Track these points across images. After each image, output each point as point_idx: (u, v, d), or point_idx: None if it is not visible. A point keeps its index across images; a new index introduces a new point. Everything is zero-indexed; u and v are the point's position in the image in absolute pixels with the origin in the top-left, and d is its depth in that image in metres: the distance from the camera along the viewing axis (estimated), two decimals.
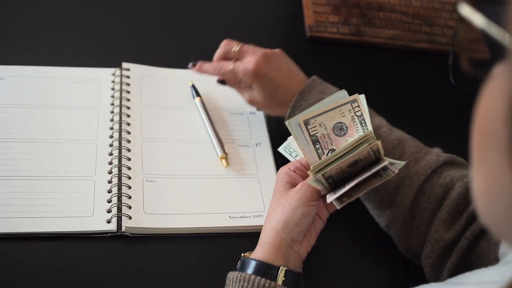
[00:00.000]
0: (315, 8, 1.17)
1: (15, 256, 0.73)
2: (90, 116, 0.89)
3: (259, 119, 0.95)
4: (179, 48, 1.06)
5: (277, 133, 0.93)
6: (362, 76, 1.11)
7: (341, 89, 0.72)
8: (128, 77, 0.95)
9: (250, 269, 0.66)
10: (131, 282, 0.73)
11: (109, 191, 0.79)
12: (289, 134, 0.72)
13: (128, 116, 0.89)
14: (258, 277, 0.65)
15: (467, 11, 0.40)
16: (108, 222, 0.76)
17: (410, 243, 0.77)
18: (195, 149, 0.88)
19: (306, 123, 0.69)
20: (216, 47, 1.08)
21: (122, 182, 0.80)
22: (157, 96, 0.95)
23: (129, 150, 0.84)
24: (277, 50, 0.89)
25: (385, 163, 0.67)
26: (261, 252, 0.68)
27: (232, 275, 0.67)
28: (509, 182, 0.35)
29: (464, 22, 0.40)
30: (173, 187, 0.82)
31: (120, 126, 0.87)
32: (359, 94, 0.72)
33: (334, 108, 0.71)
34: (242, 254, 0.70)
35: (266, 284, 0.64)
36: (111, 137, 0.86)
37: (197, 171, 0.85)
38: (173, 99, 0.95)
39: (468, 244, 0.71)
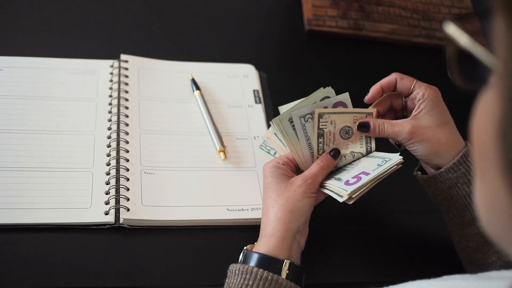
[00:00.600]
0: (313, 1, 1.17)
1: (12, 247, 0.73)
2: (88, 108, 0.89)
3: (257, 112, 0.95)
4: (177, 40, 1.06)
5: None
6: (360, 70, 1.11)
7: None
8: (126, 69, 0.95)
9: (253, 262, 0.67)
10: (129, 274, 0.73)
11: (107, 183, 0.79)
12: None
13: (126, 108, 0.89)
14: (261, 270, 0.65)
15: (452, 30, 0.40)
16: (106, 214, 0.76)
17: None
18: (193, 141, 0.88)
19: (320, 116, 0.75)
20: (215, 40, 1.08)
21: (120, 174, 0.80)
22: (155, 88, 0.94)
23: (127, 142, 0.84)
24: None
25: (399, 159, 0.72)
26: (266, 245, 0.68)
27: (234, 268, 0.67)
28: (507, 201, 0.36)
29: (450, 40, 0.40)
30: (171, 179, 0.82)
31: (118, 118, 0.87)
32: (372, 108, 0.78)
33: (351, 112, 0.77)
34: (245, 247, 0.70)
35: (269, 276, 0.65)
36: (109, 129, 0.86)
37: (195, 164, 0.85)
38: (171, 92, 0.95)
39: None
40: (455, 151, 0.74)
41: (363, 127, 0.76)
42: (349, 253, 0.82)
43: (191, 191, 0.82)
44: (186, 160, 0.85)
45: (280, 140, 0.80)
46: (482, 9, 0.38)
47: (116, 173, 0.80)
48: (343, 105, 0.77)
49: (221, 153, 0.86)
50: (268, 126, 0.93)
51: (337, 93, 0.78)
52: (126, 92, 0.91)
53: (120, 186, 0.79)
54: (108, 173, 0.81)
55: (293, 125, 0.75)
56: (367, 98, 0.78)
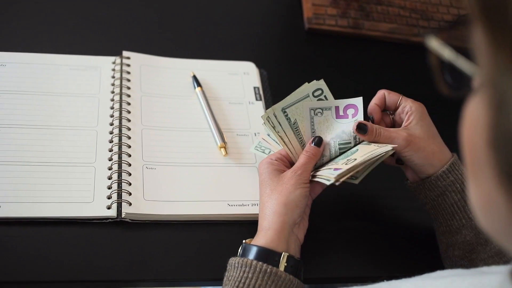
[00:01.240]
0: (314, 0, 1.18)
1: (15, 240, 0.73)
2: (91, 104, 0.90)
3: (258, 109, 0.96)
4: (179, 38, 1.07)
5: None
6: (360, 69, 1.12)
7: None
8: (128, 65, 0.95)
9: (252, 255, 0.68)
10: (130, 268, 0.74)
11: (109, 178, 0.80)
12: None
13: (128, 104, 0.90)
14: (260, 263, 0.66)
15: (434, 43, 0.41)
16: (108, 208, 0.77)
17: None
18: (194, 137, 0.89)
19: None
20: (216, 37, 1.09)
21: (122, 169, 0.81)
22: (157, 85, 0.95)
23: (129, 138, 0.85)
24: None
25: (390, 148, 0.73)
26: (263, 238, 0.69)
27: (233, 261, 0.68)
28: (502, 204, 0.36)
29: (433, 54, 0.41)
30: (173, 174, 0.83)
31: (120, 113, 0.88)
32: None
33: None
34: (244, 241, 0.71)
35: (268, 269, 0.66)
36: (112, 124, 0.87)
37: (196, 160, 0.86)
38: (173, 88, 0.96)
39: None
40: (445, 161, 0.76)
41: (361, 129, 0.77)
42: (349, 248, 0.83)
43: (192, 186, 0.83)
44: (188, 155, 0.86)
45: (273, 139, 0.82)
46: (462, 18, 0.39)
47: (118, 168, 0.81)
48: (355, 108, 0.79)
49: (222, 149, 0.87)
50: None
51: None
52: (128, 88, 0.92)
53: (122, 180, 0.80)
54: (110, 168, 0.81)
55: (286, 116, 0.77)
56: (368, 109, 0.81)
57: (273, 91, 1.00)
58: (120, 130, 0.86)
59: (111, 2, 1.10)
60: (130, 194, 0.78)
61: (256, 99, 0.97)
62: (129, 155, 0.83)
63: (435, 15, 1.23)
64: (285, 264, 0.67)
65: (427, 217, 0.83)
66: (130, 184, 0.80)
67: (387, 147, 0.73)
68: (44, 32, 1.01)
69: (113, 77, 0.94)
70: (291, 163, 0.79)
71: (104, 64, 0.96)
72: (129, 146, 0.84)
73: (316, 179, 0.75)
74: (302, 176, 0.74)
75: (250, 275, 0.66)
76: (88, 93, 0.91)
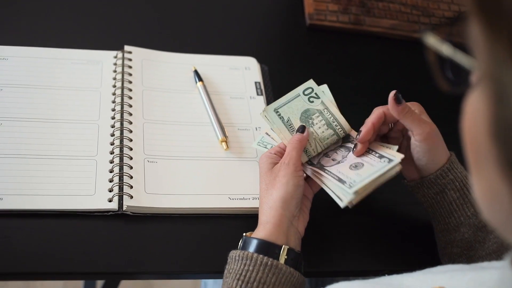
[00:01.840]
0: None
1: (17, 232, 0.74)
2: (92, 98, 0.90)
3: (259, 103, 0.96)
4: (180, 32, 1.07)
5: None
6: (361, 65, 1.12)
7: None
8: (130, 60, 0.96)
9: (252, 248, 0.68)
10: (131, 260, 0.75)
11: (111, 171, 0.81)
12: None
13: (130, 98, 0.90)
14: (261, 255, 0.67)
15: (432, 40, 0.42)
16: (110, 201, 0.77)
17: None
18: (195, 131, 0.89)
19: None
20: (218, 33, 1.09)
21: (124, 162, 0.81)
22: (158, 79, 0.96)
23: (130, 131, 0.86)
24: None
25: (399, 166, 0.74)
26: (263, 231, 0.70)
27: (234, 254, 0.69)
28: (506, 194, 0.37)
29: (431, 50, 0.42)
30: (174, 168, 0.84)
31: (122, 107, 0.88)
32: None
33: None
34: (244, 234, 0.71)
35: (269, 262, 0.66)
36: (113, 118, 0.87)
37: (197, 153, 0.86)
38: (174, 83, 0.96)
39: None
40: (445, 160, 0.76)
41: (397, 99, 0.74)
42: (349, 242, 0.83)
43: (194, 180, 0.83)
44: (189, 149, 0.87)
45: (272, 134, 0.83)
46: (460, 13, 0.39)
47: (120, 161, 0.81)
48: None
49: (223, 143, 0.87)
50: None
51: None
52: (130, 82, 0.92)
53: (124, 174, 0.80)
54: (111, 161, 0.82)
55: (279, 115, 0.79)
56: (359, 138, 0.77)
57: (274, 86, 1.00)
58: (121, 124, 0.86)
59: None
60: (131, 187, 0.79)
61: (257, 94, 0.97)
62: (131, 149, 0.83)
63: (436, 11, 1.23)
64: (286, 257, 0.68)
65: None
66: (131, 177, 0.80)
67: (396, 168, 0.73)
68: (46, 26, 1.01)
69: (115, 71, 0.94)
70: None
71: (106, 58, 0.96)
72: (131, 140, 0.85)
73: (326, 190, 0.75)
74: (291, 164, 0.73)
75: (251, 268, 0.66)
76: (90, 87, 0.91)
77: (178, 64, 0.99)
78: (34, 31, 0.99)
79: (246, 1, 1.18)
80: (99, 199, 0.78)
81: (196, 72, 0.97)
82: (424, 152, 0.76)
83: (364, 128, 0.76)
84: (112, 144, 0.84)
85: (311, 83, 0.82)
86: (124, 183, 0.79)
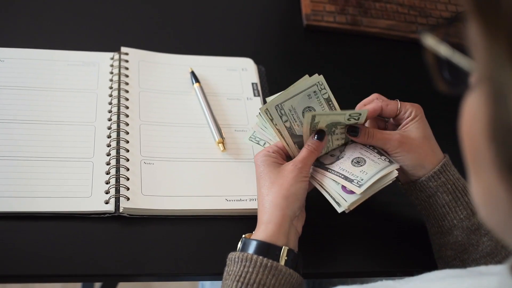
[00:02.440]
0: None
1: (13, 235, 0.73)
2: (89, 99, 0.90)
3: (256, 104, 0.96)
4: (177, 33, 1.07)
5: None
6: (358, 65, 1.12)
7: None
8: (126, 61, 0.95)
9: (251, 249, 0.68)
10: (128, 262, 0.74)
11: (107, 173, 0.80)
12: None
13: (127, 99, 0.90)
14: (261, 257, 0.66)
15: (430, 41, 0.42)
16: (106, 203, 0.77)
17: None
18: (192, 133, 0.89)
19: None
20: (215, 33, 1.09)
21: (120, 164, 0.81)
22: (155, 80, 0.95)
23: (127, 133, 0.85)
24: None
25: (396, 172, 0.75)
26: (264, 232, 0.69)
27: (233, 256, 0.68)
28: (504, 196, 0.37)
29: (429, 51, 0.41)
30: (171, 170, 0.83)
31: (119, 109, 0.88)
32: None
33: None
34: (243, 235, 0.71)
35: (269, 263, 0.66)
36: (110, 120, 0.87)
37: (194, 155, 0.86)
38: (171, 84, 0.96)
39: None
40: (437, 162, 0.77)
41: (352, 131, 0.77)
42: (347, 243, 0.83)
43: (191, 181, 0.83)
44: (186, 151, 0.86)
45: (265, 130, 0.82)
46: (458, 14, 0.39)
47: (116, 163, 0.81)
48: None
49: (220, 145, 0.87)
50: None
51: (333, 87, 0.79)
52: (127, 84, 0.92)
53: (120, 175, 0.80)
54: (108, 163, 0.81)
55: (281, 114, 0.76)
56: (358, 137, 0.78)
57: (271, 87, 1.00)
58: (118, 125, 0.86)
59: None
60: (128, 189, 0.79)
61: (254, 95, 0.97)
62: (127, 150, 0.83)
63: (433, 12, 1.23)
64: (286, 258, 0.68)
65: None
66: (128, 179, 0.80)
67: (393, 173, 0.75)
68: (43, 28, 1.01)
69: (112, 72, 0.94)
70: (287, 156, 0.79)
71: (102, 59, 0.96)
72: (127, 141, 0.84)
73: (324, 194, 0.75)
74: (303, 169, 0.74)
75: (250, 270, 0.66)
76: (86, 89, 0.91)
77: (175, 66, 0.99)
78: (30, 32, 0.99)
79: (243, 2, 1.18)
80: (95, 201, 0.77)
81: (193, 73, 0.96)
82: (402, 158, 0.76)
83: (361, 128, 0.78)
84: (108, 145, 0.84)
85: (318, 79, 0.77)
86: (120, 185, 0.79)
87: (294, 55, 1.11)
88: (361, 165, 0.75)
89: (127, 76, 0.93)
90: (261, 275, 0.66)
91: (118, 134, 0.85)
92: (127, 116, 0.88)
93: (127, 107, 0.89)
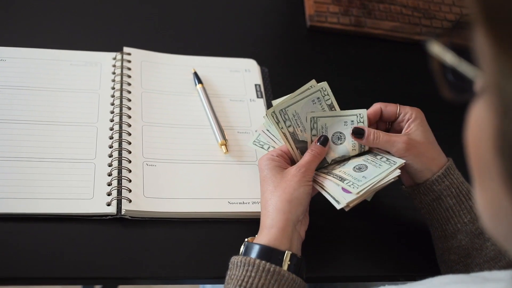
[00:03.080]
0: None
1: (14, 236, 0.73)
2: (91, 100, 0.89)
3: (259, 106, 0.95)
4: (180, 34, 1.06)
5: None
6: (361, 67, 1.12)
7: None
8: (129, 61, 0.95)
9: (254, 253, 0.67)
10: (130, 265, 0.74)
11: (109, 174, 0.80)
12: None
13: (129, 100, 0.89)
14: (263, 262, 0.66)
15: (436, 49, 0.41)
16: (108, 205, 0.77)
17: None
18: (195, 134, 0.89)
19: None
20: (218, 34, 1.08)
21: (122, 165, 0.81)
22: (158, 81, 0.95)
23: (129, 134, 0.85)
24: None
25: (398, 171, 0.74)
26: (267, 236, 0.69)
27: (236, 259, 0.68)
28: (509, 208, 0.36)
29: (435, 59, 0.41)
30: (173, 171, 0.83)
31: (121, 110, 0.87)
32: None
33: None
34: (246, 239, 0.70)
35: (271, 268, 0.65)
36: (112, 120, 0.86)
37: (197, 157, 0.86)
38: (173, 85, 0.95)
39: None
40: (441, 166, 0.76)
41: (358, 133, 0.77)
42: (350, 247, 0.83)
43: (193, 184, 0.82)
44: (188, 152, 0.86)
45: (273, 134, 0.82)
46: (463, 20, 0.38)
47: (118, 165, 0.81)
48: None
49: (223, 147, 0.87)
50: None
51: (337, 89, 0.79)
52: (129, 84, 0.92)
53: (122, 177, 0.79)
54: (110, 165, 0.81)
55: (285, 118, 0.77)
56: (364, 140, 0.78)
57: (274, 88, 0.99)
58: (120, 127, 0.85)
59: None
60: (130, 191, 0.78)
61: (257, 97, 0.97)
62: (129, 152, 0.83)
63: (438, 13, 1.22)
64: (288, 263, 0.67)
65: None
66: (130, 181, 0.79)
67: (395, 172, 0.74)
68: (45, 27, 1.00)
69: (114, 73, 0.93)
70: (291, 160, 0.78)
71: (104, 60, 0.95)
72: (130, 143, 0.84)
73: (324, 194, 0.75)
74: (307, 173, 0.73)
75: (253, 274, 0.65)
76: (88, 89, 0.90)
77: (178, 66, 0.98)
78: (32, 32, 0.98)
79: (246, 2, 1.18)
80: (97, 203, 0.77)
81: (195, 74, 0.96)
82: (411, 161, 0.76)
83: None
84: (110, 147, 0.83)
85: (324, 85, 0.79)
86: (122, 187, 0.78)
87: (298, 57, 1.11)
88: (362, 171, 0.75)
89: (129, 76, 0.93)
90: (264, 280, 0.65)
91: (120, 135, 0.84)
92: (129, 117, 0.87)
93: (129, 108, 0.88)
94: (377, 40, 1.17)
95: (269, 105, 0.95)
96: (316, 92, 0.78)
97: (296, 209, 0.71)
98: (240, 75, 0.99)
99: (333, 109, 0.79)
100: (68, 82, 0.91)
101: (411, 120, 0.78)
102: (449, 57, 0.40)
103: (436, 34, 0.40)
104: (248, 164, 0.87)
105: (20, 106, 0.85)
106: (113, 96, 0.90)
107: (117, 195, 0.77)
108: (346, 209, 0.72)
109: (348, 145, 0.79)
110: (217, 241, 0.78)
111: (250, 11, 1.16)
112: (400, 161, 0.75)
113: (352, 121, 0.78)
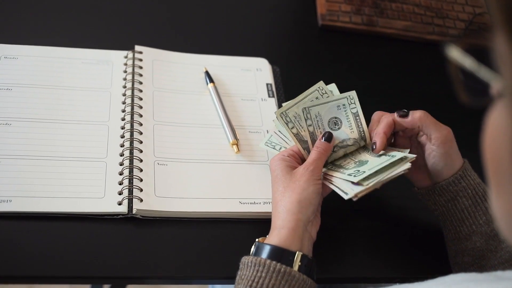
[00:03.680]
0: None
1: (26, 235, 0.73)
2: (102, 98, 0.89)
3: (270, 106, 0.95)
4: (191, 33, 1.06)
5: None
6: (373, 66, 1.11)
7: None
8: (140, 60, 0.95)
9: (265, 254, 0.67)
10: (141, 264, 0.74)
11: (121, 173, 0.80)
12: None
13: (140, 99, 0.89)
14: (274, 262, 0.65)
15: (455, 53, 0.40)
16: (119, 204, 0.76)
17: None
18: (206, 134, 0.88)
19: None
20: (229, 33, 1.08)
21: (134, 164, 0.80)
22: (169, 80, 0.95)
23: (141, 133, 0.85)
24: None
25: (408, 164, 0.73)
26: (277, 237, 0.68)
27: (246, 260, 0.68)
28: None
29: (453, 63, 0.40)
30: (184, 171, 0.83)
31: (132, 109, 0.87)
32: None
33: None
34: (257, 240, 0.70)
35: (282, 269, 0.65)
36: (123, 119, 0.86)
37: (208, 156, 0.85)
38: (185, 84, 0.95)
39: None
40: (458, 166, 0.76)
41: (404, 115, 0.77)
42: (361, 248, 0.82)
43: (204, 183, 0.82)
44: (199, 152, 0.86)
45: (285, 135, 0.82)
46: (483, 24, 0.38)
47: (130, 164, 0.80)
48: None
49: (234, 146, 0.86)
50: None
51: (348, 88, 0.79)
52: (140, 83, 0.92)
53: (134, 176, 0.79)
54: (121, 164, 0.81)
55: (307, 117, 0.77)
56: (376, 150, 0.76)
57: (286, 87, 0.99)
58: (131, 126, 0.85)
59: None
60: (141, 190, 0.78)
61: (269, 96, 0.96)
62: (141, 151, 0.83)
63: (450, 13, 1.22)
64: (299, 264, 0.67)
65: None
66: (141, 180, 0.79)
67: (406, 165, 0.73)
68: (56, 26, 1.00)
69: (125, 71, 0.93)
70: (302, 160, 0.78)
71: (116, 58, 0.95)
72: (141, 142, 0.84)
73: (332, 187, 0.75)
74: (314, 172, 0.73)
75: (263, 275, 0.65)
76: (100, 88, 0.90)
77: (189, 65, 0.98)
78: (44, 30, 0.98)
79: (258, 1, 1.17)
80: (108, 202, 0.77)
81: (207, 73, 0.96)
82: (440, 156, 0.75)
83: (378, 140, 0.76)
84: (122, 146, 0.83)
85: (352, 93, 0.79)
86: (134, 186, 0.78)
87: (309, 56, 1.10)
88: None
89: (141, 75, 0.93)
90: (274, 281, 0.65)
91: (132, 134, 0.84)
92: (140, 116, 0.87)
93: (140, 107, 0.88)
94: (389, 39, 1.16)
95: (280, 105, 0.95)
96: (342, 99, 0.78)
97: (307, 209, 0.71)
98: (251, 74, 0.99)
99: (357, 118, 0.79)
100: (80, 81, 0.91)
101: (437, 142, 0.77)
102: (468, 62, 0.40)
103: (454, 37, 0.40)
104: (260, 164, 0.86)
105: (32, 105, 0.85)
106: (124, 94, 0.90)
107: (128, 194, 0.77)
108: (354, 199, 0.72)
109: (346, 128, 0.78)
110: (227, 241, 0.78)
111: (261, 10, 1.16)
112: (411, 156, 0.74)
113: (344, 104, 0.78)
